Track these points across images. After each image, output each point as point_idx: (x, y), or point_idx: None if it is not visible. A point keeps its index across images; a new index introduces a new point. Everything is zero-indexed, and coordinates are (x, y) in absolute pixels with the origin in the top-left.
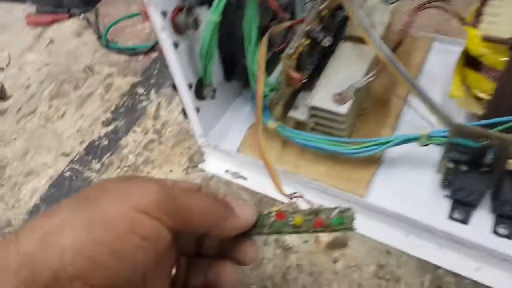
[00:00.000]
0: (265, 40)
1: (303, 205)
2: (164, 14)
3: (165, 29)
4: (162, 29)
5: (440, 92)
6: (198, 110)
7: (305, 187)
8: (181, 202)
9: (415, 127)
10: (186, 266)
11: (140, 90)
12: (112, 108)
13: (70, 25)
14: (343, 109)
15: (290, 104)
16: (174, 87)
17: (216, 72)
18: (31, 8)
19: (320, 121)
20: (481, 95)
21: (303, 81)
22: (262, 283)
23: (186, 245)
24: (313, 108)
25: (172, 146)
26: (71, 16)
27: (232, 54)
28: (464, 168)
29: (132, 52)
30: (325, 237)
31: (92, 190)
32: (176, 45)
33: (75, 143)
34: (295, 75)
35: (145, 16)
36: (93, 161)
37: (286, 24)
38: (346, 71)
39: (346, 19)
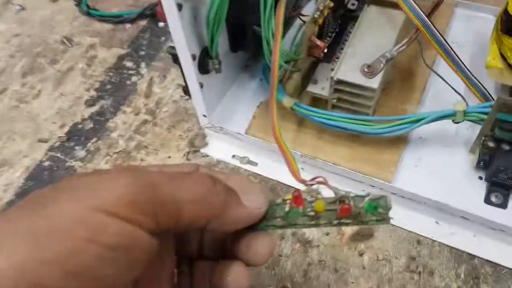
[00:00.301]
0: (283, 3)
1: (327, 194)
2: None
3: None
4: None
5: (466, 62)
6: (201, 85)
7: (326, 172)
8: (164, 193)
9: (442, 102)
10: (190, 270)
11: (129, 64)
12: (97, 85)
13: None
14: (374, 83)
15: (307, 78)
16: (174, 58)
17: (220, 41)
18: None
19: (344, 96)
20: None
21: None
22: (281, 283)
23: (187, 245)
24: (339, 81)
25: (169, 128)
26: None
27: (242, 20)
28: (506, 147)
29: (118, 20)
30: (349, 228)
31: (46, 190)
32: (180, 6)
33: (55, 127)
34: (320, 42)
35: None
36: (77, 147)
37: None
38: (373, 39)
39: None
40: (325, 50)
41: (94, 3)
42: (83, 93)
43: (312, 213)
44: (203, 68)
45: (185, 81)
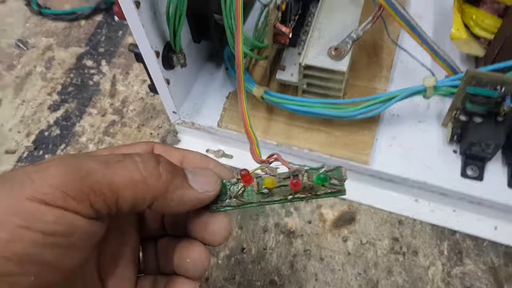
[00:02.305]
0: None
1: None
2: None
3: None
4: None
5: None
6: (168, 82)
7: (302, 159)
8: (98, 179)
9: (411, 77)
10: (155, 250)
11: (89, 63)
12: (59, 88)
13: None
14: (343, 65)
15: (274, 64)
16: (137, 57)
17: (182, 33)
18: None
19: (315, 81)
20: (483, 33)
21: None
22: (268, 277)
23: (149, 224)
24: (308, 67)
25: (139, 127)
26: None
27: (203, 10)
28: (478, 119)
29: (71, 17)
30: (330, 214)
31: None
32: (137, 4)
33: (20, 137)
34: (285, 29)
35: None
36: (46, 156)
37: None
38: (337, 20)
39: None
40: (290, 36)
41: (45, 1)
42: (45, 98)
43: (266, 191)
44: (168, 64)
45: (150, 79)
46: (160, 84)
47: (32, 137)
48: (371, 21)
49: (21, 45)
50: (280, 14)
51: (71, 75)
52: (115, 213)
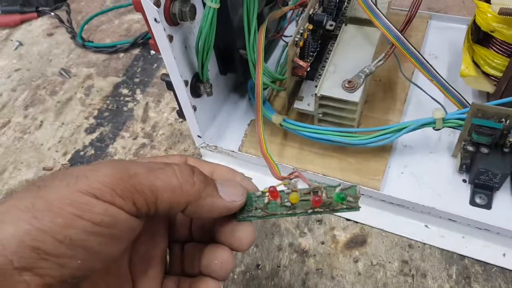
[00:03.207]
0: (264, 27)
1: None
2: (157, 3)
3: (160, 21)
4: (155, 21)
5: (444, 72)
6: (195, 108)
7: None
8: (142, 181)
9: (424, 110)
10: (181, 252)
11: (124, 91)
12: (95, 113)
13: (40, 24)
14: (355, 97)
15: (294, 95)
16: (168, 85)
17: (210, 65)
18: None
19: (329, 111)
20: (492, 72)
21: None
22: None
23: (178, 229)
24: (322, 97)
25: (166, 150)
26: (40, 14)
27: (229, 45)
28: (485, 150)
29: (112, 50)
30: (342, 236)
31: (46, 177)
32: (171, 38)
33: (58, 155)
34: (302, 63)
35: (138, 7)
36: None
37: (286, 8)
38: (352, 56)
39: (342, 0)
40: (308, 69)
41: (88, 34)
42: (82, 121)
43: (288, 204)
44: (195, 92)
45: (179, 105)
46: (187, 110)
47: (68, 156)
48: (384, 58)
49: (64, 73)
50: (298, 50)
51: (108, 101)
52: (153, 213)
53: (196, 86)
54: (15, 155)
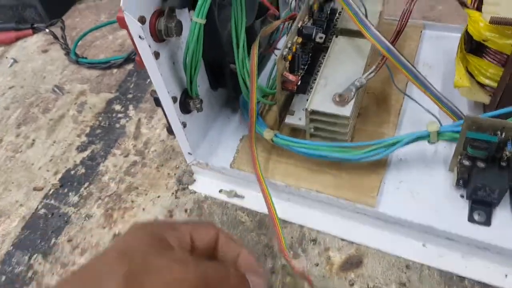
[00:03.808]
0: (256, 44)
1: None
2: (142, 20)
3: (145, 37)
4: (140, 38)
5: (439, 82)
6: (184, 125)
7: (310, 200)
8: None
9: (419, 123)
10: None
11: (117, 107)
12: (87, 131)
13: (35, 41)
14: (346, 111)
15: (284, 109)
16: (156, 102)
17: (200, 80)
18: None
19: (321, 125)
20: (487, 82)
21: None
22: None
23: None
24: (313, 112)
25: (158, 168)
26: (35, 31)
27: (218, 60)
28: (481, 164)
29: (105, 66)
30: (337, 258)
31: (133, 265)
32: (157, 55)
33: (49, 175)
34: (292, 77)
35: (122, 24)
36: (70, 193)
37: (277, 23)
38: (343, 68)
39: (333, 12)
40: (299, 83)
41: (82, 50)
42: (74, 139)
43: None
44: (185, 108)
45: (168, 122)
46: (176, 127)
47: (59, 175)
48: (375, 70)
49: (57, 90)
50: (288, 64)
51: (100, 118)
52: None
53: (186, 102)
54: (6, 175)
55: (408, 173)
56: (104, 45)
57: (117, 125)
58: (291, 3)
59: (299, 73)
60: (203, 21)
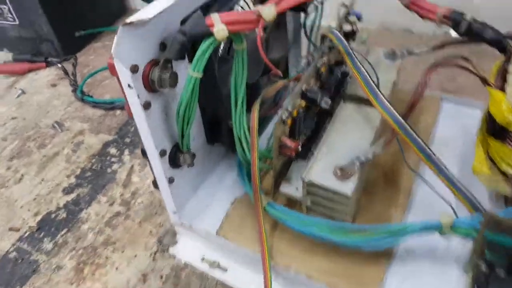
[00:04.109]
0: (257, 105)
1: None
2: (134, 69)
3: (133, 87)
4: (128, 87)
5: (456, 164)
6: (171, 180)
7: (298, 285)
8: None
9: (431, 209)
10: None
11: (113, 151)
12: (78, 172)
13: (47, 74)
14: (347, 188)
15: (281, 175)
16: (143, 153)
17: (196, 133)
18: (7, 56)
19: (318, 200)
20: (511, 171)
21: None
22: None
23: None
24: (310, 184)
25: (141, 222)
26: (48, 65)
27: (217, 114)
28: (501, 273)
29: (109, 106)
30: None
31: None
32: (147, 105)
33: (28, 215)
34: (290, 143)
35: (112, 71)
36: (45, 239)
37: (280, 84)
38: (348, 138)
39: (344, 76)
40: (299, 149)
41: (90, 88)
42: (63, 179)
43: None
44: (174, 162)
45: (154, 175)
46: (162, 183)
47: (39, 217)
48: (383, 145)
49: (57, 126)
50: (287, 129)
51: (94, 160)
52: None
53: (176, 156)
54: None
55: (415, 268)
56: (112, 85)
57: (109, 170)
58: (302, 62)
59: (300, 138)
60: (199, 75)
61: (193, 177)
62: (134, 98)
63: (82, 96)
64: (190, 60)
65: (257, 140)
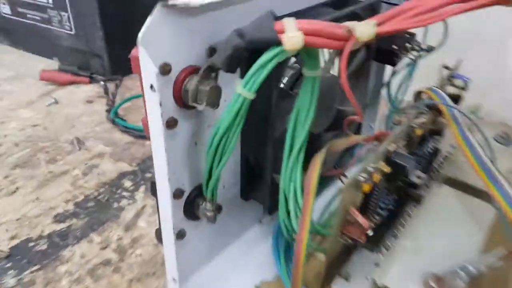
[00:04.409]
0: (319, 158)
1: None
2: (165, 68)
3: (157, 90)
4: (151, 89)
5: None
6: (181, 235)
7: None
8: None
9: None
10: None
11: (127, 183)
12: (80, 199)
13: (87, 90)
14: None
15: (335, 266)
16: (152, 188)
17: (229, 180)
18: (55, 65)
19: None
20: None
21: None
22: None
23: None
24: None
25: (131, 282)
26: (92, 81)
27: (260, 161)
28: None
29: (139, 134)
30: None
31: None
32: (172, 123)
33: (3, 237)
34: (362, 220)
35: (135, 65)
36: (10, 271)
37: (354, 139)
38: (444, 235)
39: (435, 152)
40: (370, 233)
41: (126, 112)
42: (59, 204)
43: None
44: (191, 211)
45: (159, 223)
46: (167, 236)
47: (14, 243)
48: (501, 257)
49: (75, 143)
50: (361, 198)
51: (102, 190)
52: None
53: (195, 202)
54: None
55: None
56: None
57: (115, 205)
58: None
59: (373, 219)
60: (251, 96)
61: (212, 238)
62: (155, 108)
63: (114, 117)
64: (242, 75)
65: (312, 205)
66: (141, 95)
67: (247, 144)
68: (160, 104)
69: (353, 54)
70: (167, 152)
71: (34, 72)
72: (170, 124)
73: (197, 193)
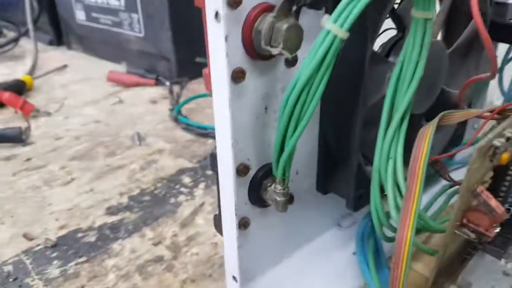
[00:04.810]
0: (430, 130)
1: None
2: (232, 2)
3: (223, 21)
4: (215, 19)
5: None
6: (245, 224)
7: None
8: None
9: None
10: None
11: (186, 180)
12: (135, 192)
13: (152, 91)
14: None
15: (449, 272)
16: (212, 161)
17: (303, 166)
18: (123, 68)
19: None
20: None
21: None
22: None
23: None
24: None
25: (184, 282)
26: (158, 83)
27: (343, 144)
28: None
29: (201, 132)
30: None
31: None
32: (239, 75)
33: (53, 226)
34: (495, 203)
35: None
36: (55, 262)
37: (473, 112)
38: None
39: None
40: (497, 229)
41: (189, 113)
42: (113, 196)
43: None
44: (257, 193)
45: (219, 209)
46: (228, 223)
47: (63, 232)
48: None
49: (136, 138)
50: (491, 176)
51: (159, 184)
52: None
53: (262, 183)
54: (13, 206)
55: None
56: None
57: (172, 200)
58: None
59: (505, 207)
60: (343, 35)
61: (281, 234)
62: (220, 47)
63: (177, 115)
64: (331, 11)
65: (421, 187)
66: (206, 95)
67: (328, 120)
68: (226, 39)
69: (461, 24)
70: (232, 111)
71: (102, 75)
72: (237, 75)
73: (265, 174)
